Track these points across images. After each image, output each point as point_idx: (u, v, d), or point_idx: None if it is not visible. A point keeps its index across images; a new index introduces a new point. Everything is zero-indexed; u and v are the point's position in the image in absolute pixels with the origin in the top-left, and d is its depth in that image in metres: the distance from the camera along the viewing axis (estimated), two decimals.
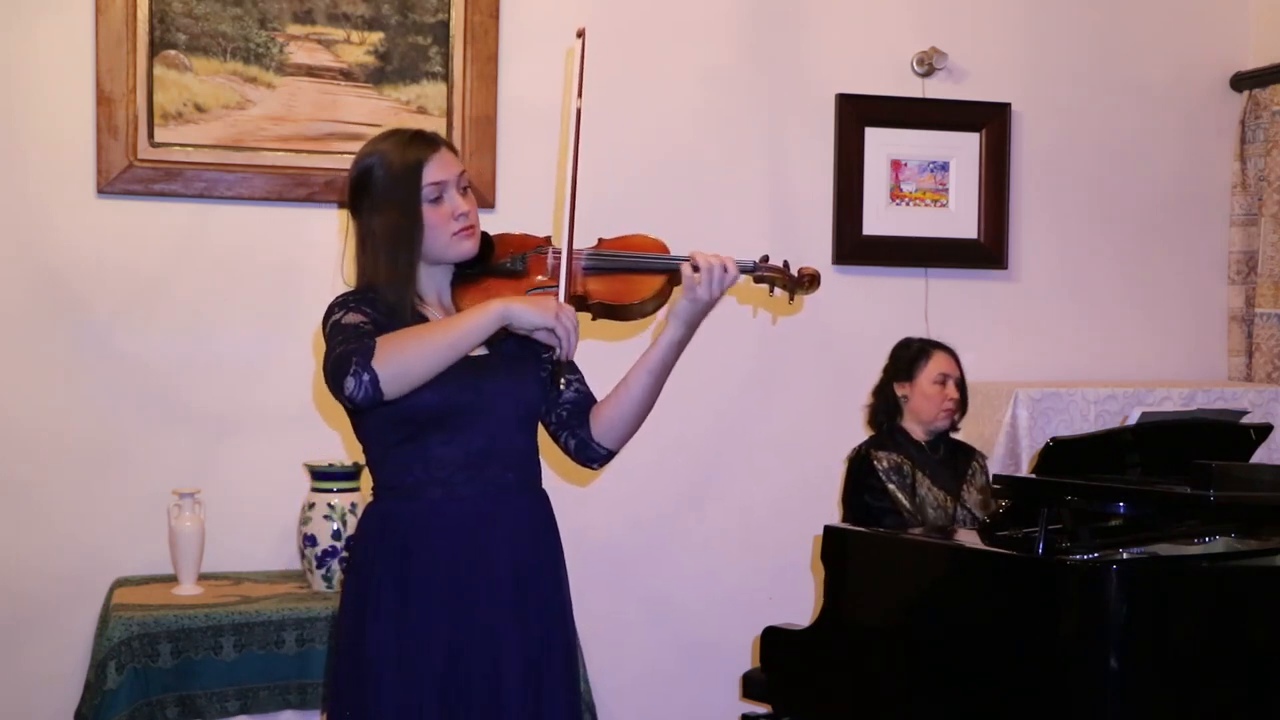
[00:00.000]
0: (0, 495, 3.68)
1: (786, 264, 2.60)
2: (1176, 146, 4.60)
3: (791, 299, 2.60)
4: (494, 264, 2.53)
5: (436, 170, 2.44)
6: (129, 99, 3.70)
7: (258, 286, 3.84)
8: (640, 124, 4.10)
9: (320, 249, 3.87)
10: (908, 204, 4.33)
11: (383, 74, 3.88)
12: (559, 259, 2.48)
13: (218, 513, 3.70)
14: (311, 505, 3.58)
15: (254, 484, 3.81)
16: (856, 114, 4.26)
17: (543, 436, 2.61)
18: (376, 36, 3.88)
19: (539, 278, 2.52)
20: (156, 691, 3.27)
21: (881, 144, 4.29)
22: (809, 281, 2.58)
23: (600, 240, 2.58)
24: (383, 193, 2.43)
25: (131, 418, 3.76)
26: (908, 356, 3.77)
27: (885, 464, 3.65)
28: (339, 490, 3.58)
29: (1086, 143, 4.51)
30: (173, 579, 3.61)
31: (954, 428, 3.79)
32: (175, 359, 3.79)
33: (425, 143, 2.47)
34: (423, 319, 2.45)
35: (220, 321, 3.82)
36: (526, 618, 2.48)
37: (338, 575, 3.55)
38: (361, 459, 3.65)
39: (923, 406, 3.71)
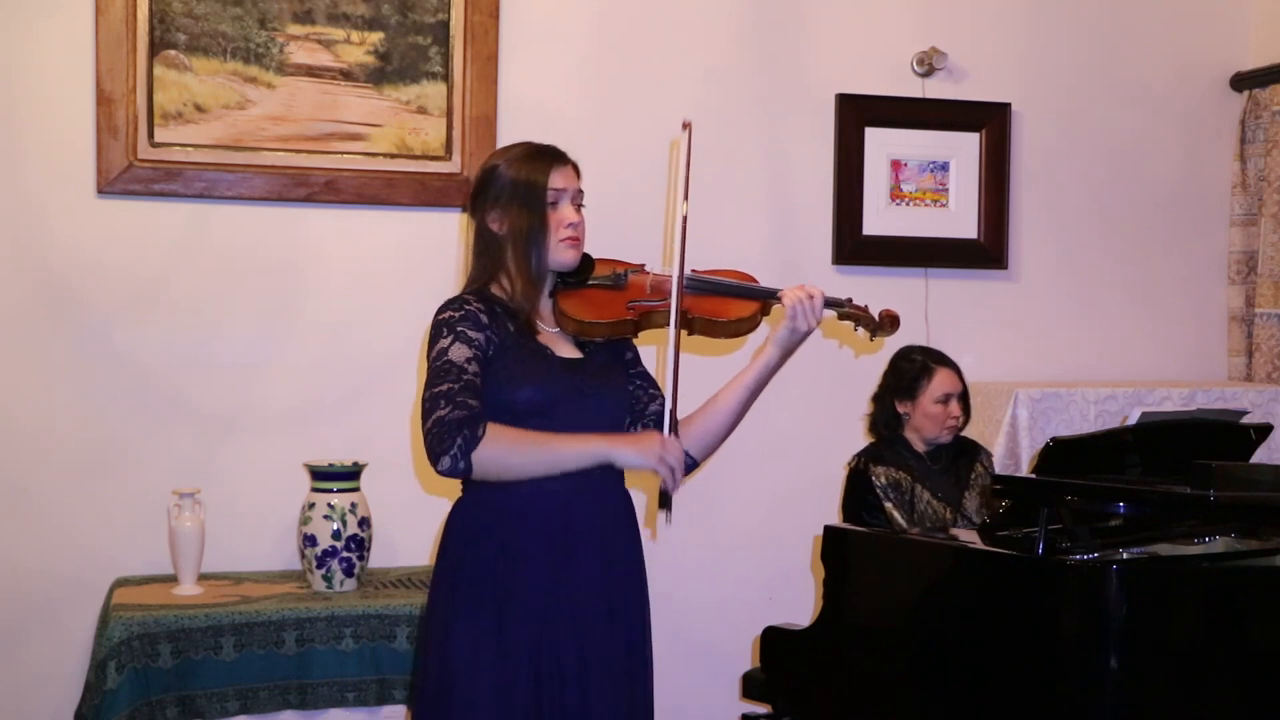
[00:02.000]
0: (0, 495, 3.68)
1: (867, 307, 2.78)
2: (1176, 146, 4.60)
3: (872, 338, 2.80)
4: (596, 277, 2.66)
5: (560, 178, 2.60)
6: (129, 99, 3.70)
7: (258, 286, 3.84)
8: (640, 124, 4.10)
9: (320, 249, 3.88)
10: (908, 204, 4.33)
11: (383, 74, 3.88)
12: (661, 280, 2.64)
13: (218, 513, 3.70)
14: (311, 505, 3.58)
15: (254, 484, 3.81)
16: (856, 114, 4.26)
17: None
18: (376, 36, 3.88)
19: (640, 293, 2.65)
20: (156, 691, 3.27)
21: (881, 144, 4.29)
22: (889, 323, 2.77)
23: (693, 270, 2.70)
24: (510, 189, 2.58)
25: (131, 418, 3.76)
26: (910, 373, 3.68)
27: (883, 479, 3.62)
28: (339, 490, 3.58)
29: (1086, 143, 4.51)
30: (173, 579, 3.61)
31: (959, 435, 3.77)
32: (175, 359, 3.79)
33: (554, 153, 2.63)
34: (532, 326, 2.56)
35: (220, 321, 3.82)
36: (614, 609, 2.57)
37: (338, 575, 3.55)
38: (361, 459, 3.68)
39: (925, 425, 3.67)
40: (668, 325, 2.56)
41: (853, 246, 4.27)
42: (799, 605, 4.10)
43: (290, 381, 3.85)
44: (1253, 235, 4.53)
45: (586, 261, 2.65)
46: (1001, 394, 4.13)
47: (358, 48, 3.87)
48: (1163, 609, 2.78)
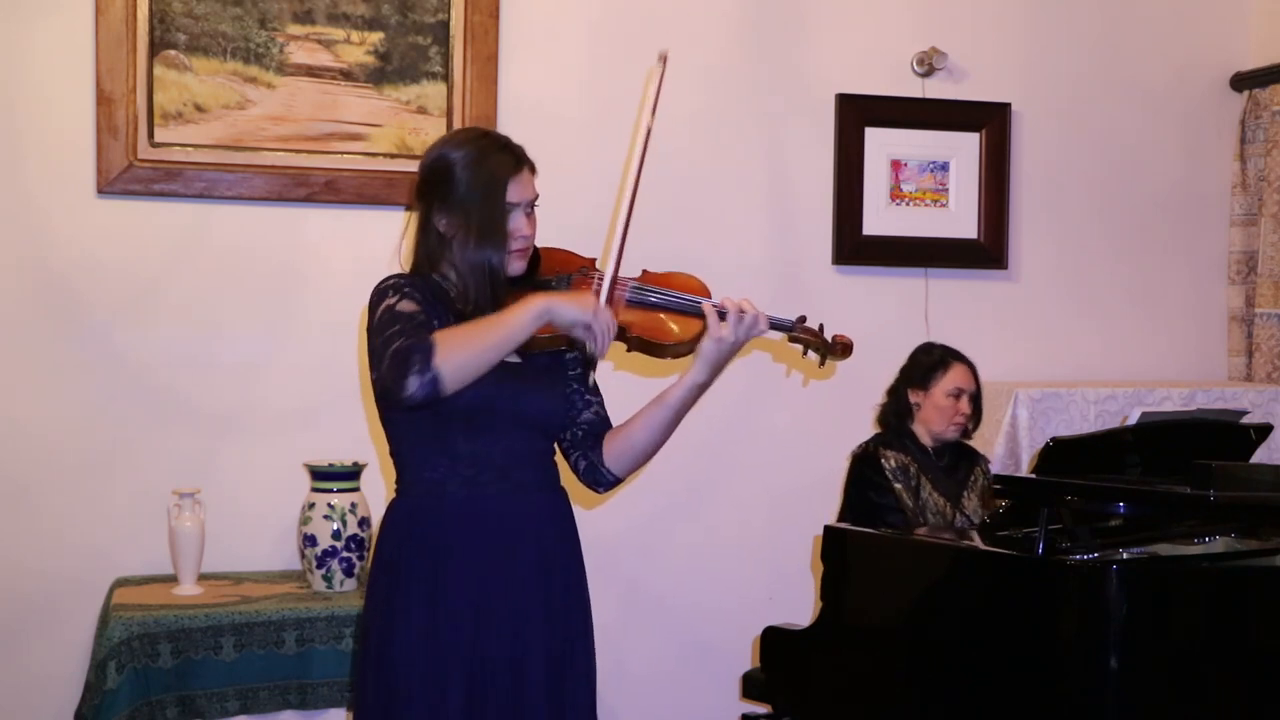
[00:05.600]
0: (1, 495, 3.68)
1: (821, 328, 2.64)
2: (1176, 146, 4.60)
3: (822, 363, 2.66)
4: (539, 279, 2.57)
5: (516, 190, 2.50)
6: (129, 99, 3.70)
7: (258, 286, 3.84)
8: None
9: (320, 249, 3.88)
10: (908, 204, 4.33)
11: (383, 74, 3.88)
12: (604, 285, 2.52)
13: (218, 513, 3.70)
14: (311, 505, 3.58)
15: (254, 484, 3.82)
16: (856, 114, 4.25)
17: None
18: (376, 36, 3.88)
19: None
20: (156, 691, 3.27)
21: (881, 144, 4.28)
22: (841, 349, 2.63)
23: (645, 272, 2.61)
24: (464, 199, 2.47)
25: (131, 418, 3.76)
26: (926, 364, 3.73)
27: (893, 463, 3.65)
28: (339, 490, 3.58)
29: (1086, 143, 4.51)
30: (173, 579, 3.61)
31: (965, 436, 3.78)
32: (175, 359, 3.79)
33: (514, 159, 2.52)
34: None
35: (220, 321, 3.82)
36: (551, 613, 2.53)
37: (338, 575, 3.55)
38: (361, 459, 3.69)
39: (933, 417, 3.70)
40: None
41: (853, 246, 4.27)
42: (799, 605, 4.10)
43: (290, 381, 3.85)
44: (1253, 235, 4.53)
45: (533, 255, 2.56)
46: (1001, 394, 4.13)
47: (358, 48, 3.87)
48: (1163, 609, 2.78)
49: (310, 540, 3.56)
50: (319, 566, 3.55)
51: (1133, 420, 3.29)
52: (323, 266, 3.88)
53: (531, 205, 2.54)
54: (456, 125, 3.90)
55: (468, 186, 2.47)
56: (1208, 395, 4.19)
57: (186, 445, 3.79)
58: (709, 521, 4.21)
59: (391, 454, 2.57)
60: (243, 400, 3.83)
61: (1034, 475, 3.26)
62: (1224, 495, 2.84)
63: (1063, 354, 4.49)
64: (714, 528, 4.21)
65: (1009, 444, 4.07)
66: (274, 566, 3.84)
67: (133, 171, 3.71)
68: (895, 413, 3.77)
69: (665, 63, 2.56)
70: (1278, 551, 3.06)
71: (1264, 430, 3.34)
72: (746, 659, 4.05)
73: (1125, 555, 2.90)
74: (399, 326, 2.36)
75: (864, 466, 3.69)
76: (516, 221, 2.50)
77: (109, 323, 3.75)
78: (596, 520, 3.99)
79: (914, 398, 3.73)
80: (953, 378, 3.70)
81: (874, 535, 3.37)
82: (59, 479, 3.72)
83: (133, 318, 3.77)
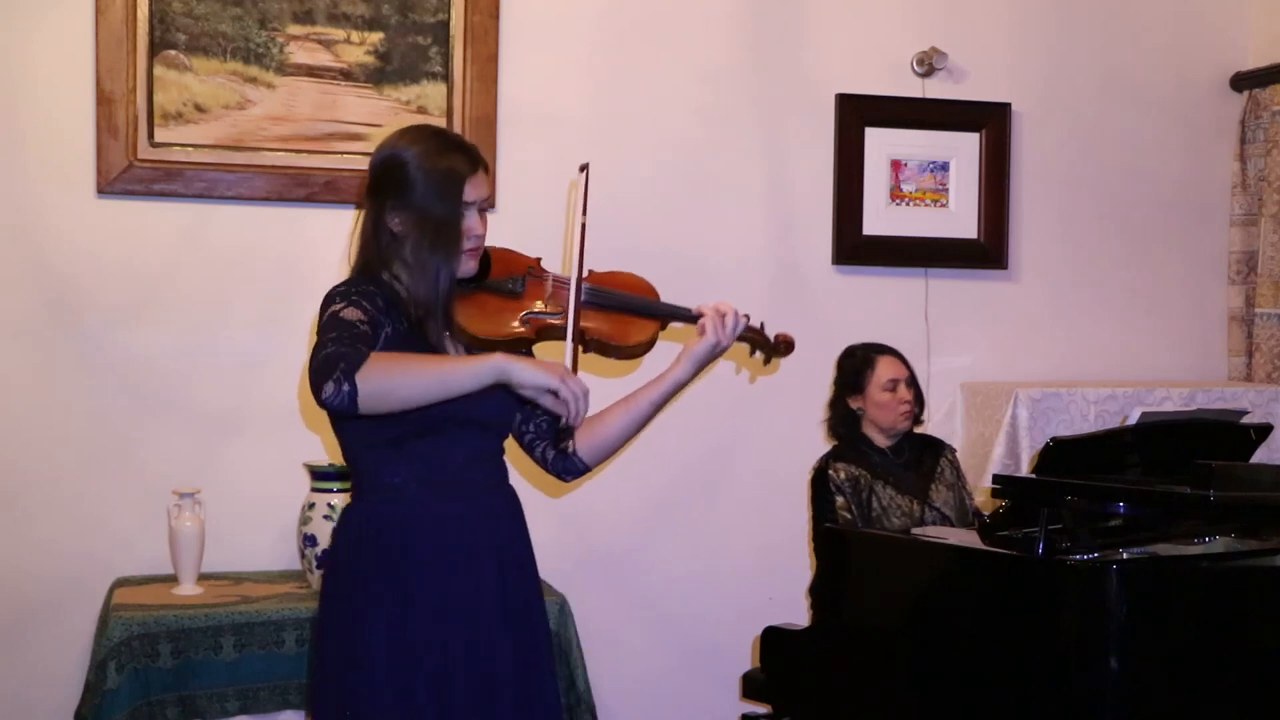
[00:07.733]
0: (0, 495, 3.68)
1: (762, 325, 2.70)
2: (1176, 146, 4.60)
3: (766, 362, 2.74)
4: (492, 281, 2.56)
5: (472, 189, 2.48)
6: (129, 99, 3.70)
7: (258, 286, 3.84)
8: (641, 124, 4.10)
9: (320, 249, 3.87)
10: (908, 204, 4.33)
11: (383, 74, 3.88)
12: (559, 287, 2.54)
13: (218, 513, 3.70)
14: (311, 505, 3.58)
15: (254, 484, 3.81)
16: (856, 114, 4.25)
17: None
18: (376, 36, 3.88)
19: (537, 303, 2.56)
20: (156, 691, 3.27)
21: (881, 144, 4.28)
22: (784, 347, 2.73)
23: (591, 272, 2.60)
24: (420, 200, 2.45)
25: (131, 418, 3.76)
26: (853, 368, 3.77)
27: (842, 475, 3.67)
28: (339, 490, 3.57)
29: (1086, 143, 4.51)
30: (173, 579, 3.61)
31: (918, 422, 3.80)
32: (175, 358, 3.79)
33: (469, 159, 2.50)
34: (422, 336, 2.46)
35: (220, 321, 3.82)
36: (510, 607, 2.54)
37: None
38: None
39: (879, 415, 3.73)
40: (564, 339, 2.47)
41: (853, 246, 4.27)
42: (799, 605, 4.10)
43: (290, 381, 3.85)
44: (1253, 235, 4.53)
45: (483, 258, 2.54)
46: (1001, 394, 4.13)
47: (358, 48, 3.87)
48: (1163, 609, 2.78)
49: (310, 540, 3.56)
50: (319, 566, 3.55)
51: (1133, 420, 3.29)
52: (323, 266, 3.86)
53: (485, 204, 2.53)
54: (456, 126, 3.90)
55: (424, 185, 2.45)
56: (1208, 395, 4.19)
57: (186, 445, 3.79)
58: (709, 522, 4.21)
59: (346, 460, 2.57)
60: (243, 400, 3.83)
61: (1034, 475, 3.26)
62: (1224, 495, 2.84)
63: (1063, 354, 4.49)
64: (714, 528, 4.21)
65: (1009, 444, 4.07)
66: (274, 566, 3.84)
67: (133, 171, 3.71)
68: (842, 423, 3.80)
69: (587, 172, 2.54)
70: (1278, 551, 3.06)
71: (1264, 430, 3.34)
72: (746, 659, 4.05)
73: (1125, 555, 2.90)
74: (335, 334, 2.33)
75: (815, 483, 3.75)
76: (470, 220, 2.49)
77: (109, 323, 3.75)
78: (598, 520, 4.00)
79: (854, 403, 3.76)
80: (882, 371, 3.73)
81: (873, 535, 3.37)
82: (59, 479, 3.72)
83: (133, 318, 3.76)
